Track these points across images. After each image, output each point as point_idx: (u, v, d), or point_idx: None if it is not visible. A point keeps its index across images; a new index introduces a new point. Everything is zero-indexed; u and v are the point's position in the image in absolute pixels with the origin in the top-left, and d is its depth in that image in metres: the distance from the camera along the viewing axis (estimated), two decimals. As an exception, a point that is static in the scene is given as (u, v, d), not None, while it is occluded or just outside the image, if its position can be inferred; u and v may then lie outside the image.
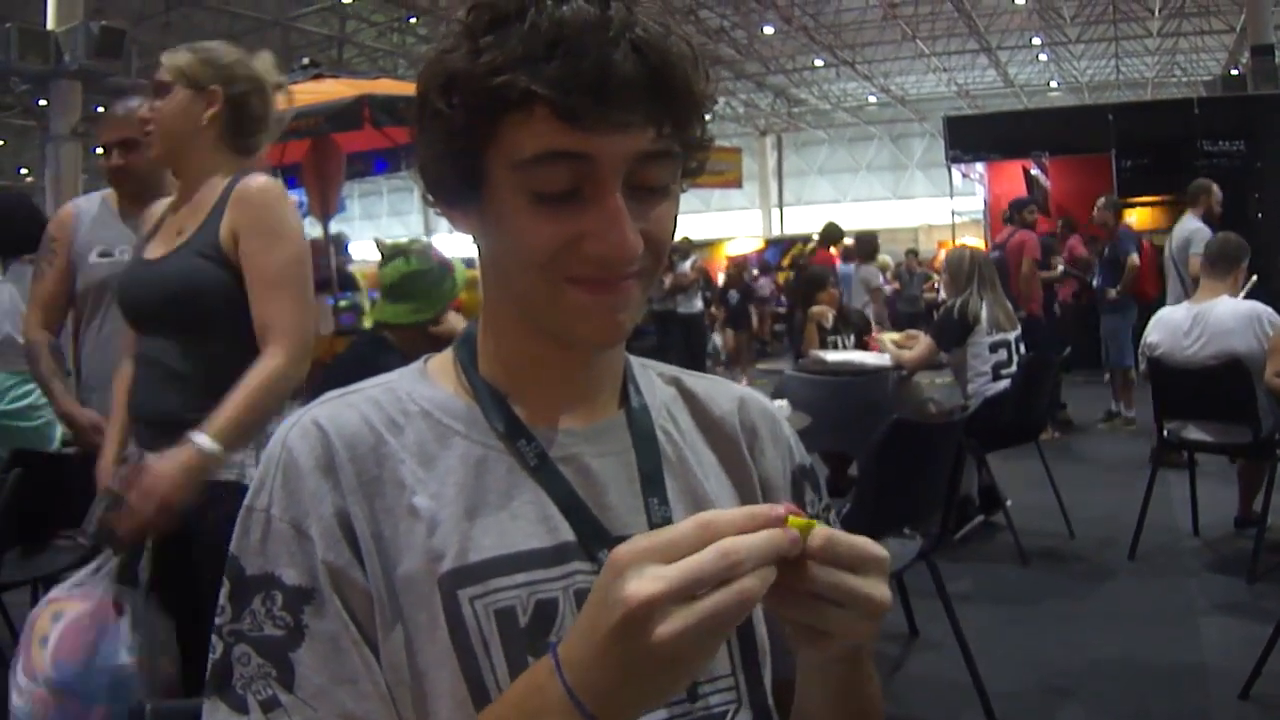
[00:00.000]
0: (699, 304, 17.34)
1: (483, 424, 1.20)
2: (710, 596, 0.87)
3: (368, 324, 4.61)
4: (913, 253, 24.63)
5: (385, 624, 1.10)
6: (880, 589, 0.96)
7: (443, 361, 1.29)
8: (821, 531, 0.93)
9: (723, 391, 1.39)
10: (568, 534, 1.15)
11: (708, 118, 1.16)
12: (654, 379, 1.35)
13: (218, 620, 1.11)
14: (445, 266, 4.40)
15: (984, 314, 7.11)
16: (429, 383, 1.25)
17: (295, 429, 1.17)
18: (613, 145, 1.05)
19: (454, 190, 1.15)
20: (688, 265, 17.25)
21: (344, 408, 1.19)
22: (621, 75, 1.02)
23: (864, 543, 0.97)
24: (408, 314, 4.38)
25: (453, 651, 1.09)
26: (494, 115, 1.06)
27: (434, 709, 1.08)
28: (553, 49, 1.02)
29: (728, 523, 0.91)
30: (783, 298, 23.64)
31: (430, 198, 1.19)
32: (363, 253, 21.04)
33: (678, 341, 16.18)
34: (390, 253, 4.59)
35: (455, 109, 1.07)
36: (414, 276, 4.43)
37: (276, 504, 1.12)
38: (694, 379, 1.39)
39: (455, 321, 4.27)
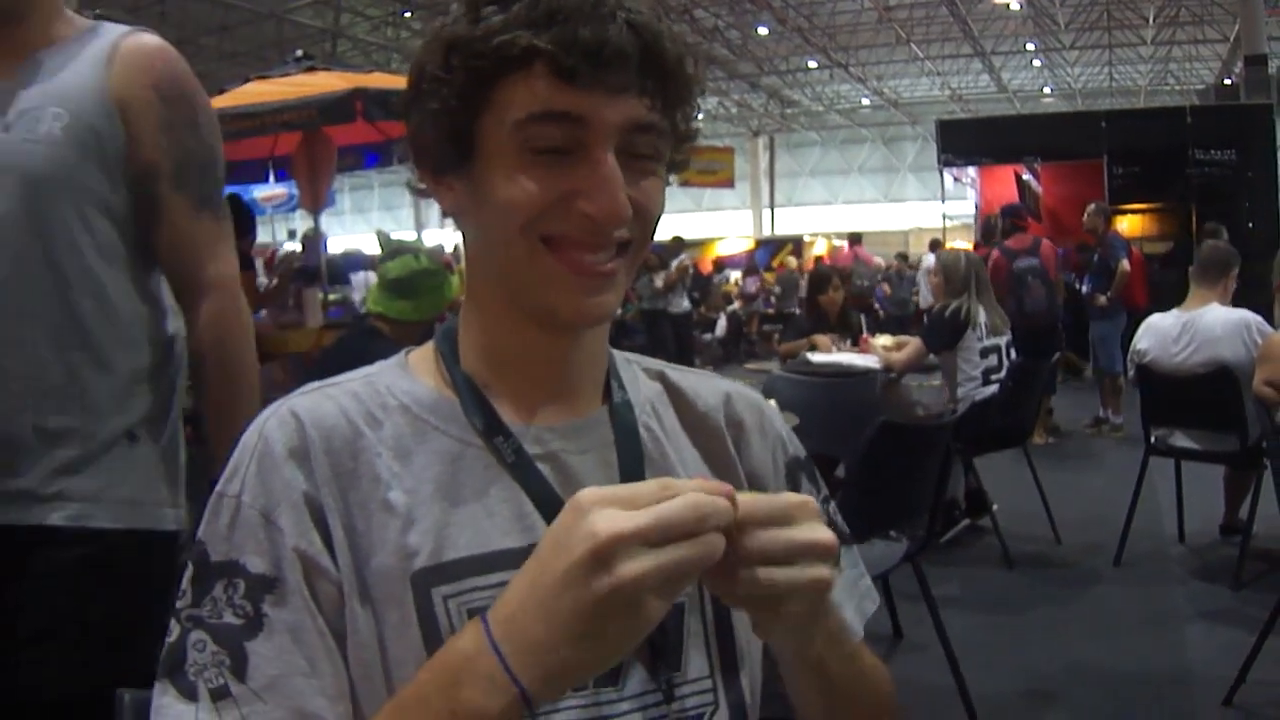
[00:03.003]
0: (686, 303, 17.45)
1: (461, 419, 1.20)
2: (679, 545, 0.87)
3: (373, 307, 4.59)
4: (902, 256, 24.70)
5: (355, 617, 1.10)
6: (819, 530, 0.97)
7: (424, 354, 1.28)
8: (742, 500, 0.93)
9: (709, 387, 1.38)
10: (543, 533, 1.14)
11: (696, 111, 1.18)
12: (639, 374, 1.35)
13: (177, 604, 1.10)
14: (450, 268, 4.41)
15: (982, 318, 7.12)
16: (409, 376, 1.24)
17: (273, 418, 1.17)
18: (607, 108, 1.07)
19: (444, 158, 1.15)
20: (674, 265, 17.35)
21: (323, 399, 1.19)
22: (617, 45, 1.06)
23: (783, 497, 0.98)
24: (410, 311, 4.38)
25: (424, 649, 1.08)
26: (492, 75, 1.08)
27: None
28: (552, 16, 1.05)
29: (688, 486, 0.91)
30: (771, 299, 23.72)
31: (417, 171, 1.20)
32: (347, 246, 21.05)
33: (667, 340, 16.26)
34: (396, 247, 4.60)
35: (454, 71, 1.09)
36: (423, 275, 4.43)
37: (248, 491, 1.12)
38: (679, 374, 1.38)
39: None
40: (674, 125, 1.15)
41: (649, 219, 1.15)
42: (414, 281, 4.44)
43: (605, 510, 0.89)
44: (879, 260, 23.51)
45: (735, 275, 25.62)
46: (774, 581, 0.94)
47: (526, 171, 1.09)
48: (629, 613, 0.88)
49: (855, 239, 23.96)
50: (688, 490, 0.90)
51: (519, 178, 1.09)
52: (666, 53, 1.10)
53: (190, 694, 1.05)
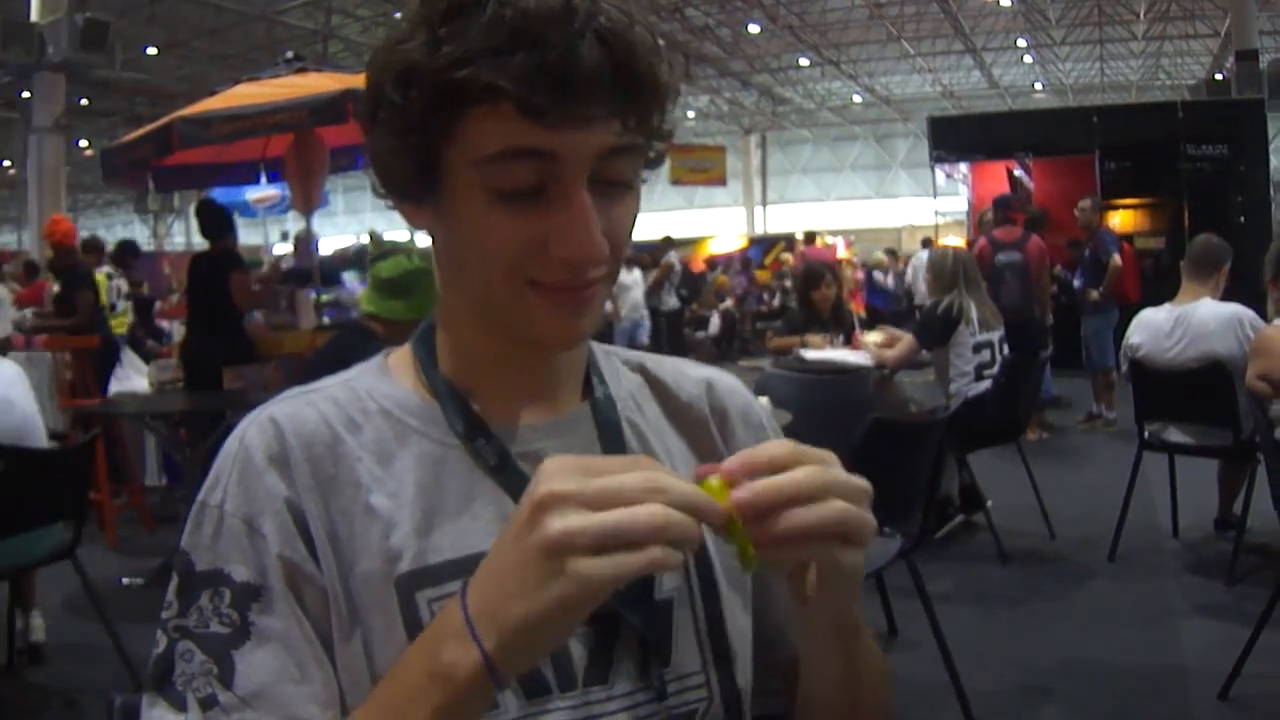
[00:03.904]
0: (675, 301, 17.60)
1: (442, 422, 1.19)
2: (616, 510, 0.85)
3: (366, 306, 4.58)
4: (891, 251, 24.79)
5: (341, 624, 1.09)
6: (821, 472, 0.92)
7: (403, 356, 1.27)
8: (735, 458, 0.92)
9: (690, 375, 1.37)
10: None
11: (673, 108, 1.13)
12: (619, 367, 1.34)
13: (163, 614, 1.09)
14: None
15: (974, 313, 7.12)
16: (389, 380, 1.23)
17: (253, 425, 1.15)
18: (578, 142, 1.02)
19: (409, 185, 1.13)
20: (660, 264, 17.56)
21: (302, 405, 1.18)
22: (587, 68, 0.99)
23: (774, 449, 0.94)
24: (403, 310, 4.38)
25: None
26: (454, 110, 1.03)
27: None
28: (516, 41, 0.98)
29: (658, 464, 0.90)
30: (763, 295, 23.78)
31: (381, 191, 1.16)
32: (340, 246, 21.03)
33: (660, 338, 16.39)
34: (389, 248, 4.59)
35: (412, 102, 1.04)
36: (416, 275, 4.43)
37: (230, 499, 1.11)
38: (659, 365, 1.37)
39: None
40: (650, 133, 1.10)
41: (620, 247, 1.11)
42: (406, 281, 4.44)
43: (557, 473, 0.87)
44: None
45: (719, 270, 25.60)
46: (798, 524, 0.90)
47: (498, 211, 1.05)
48: (561, 570, 0.85)
49: (809, 238, 24.24)
50: (659, 467, 0.89)
51: (491, 218, 1.06)
52: (641, 65, 1.03)
53: (180, 704, 1.04)
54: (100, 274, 10.31)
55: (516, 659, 0.91)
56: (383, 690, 1.00)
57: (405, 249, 4.60)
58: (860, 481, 0.94)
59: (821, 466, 0.93)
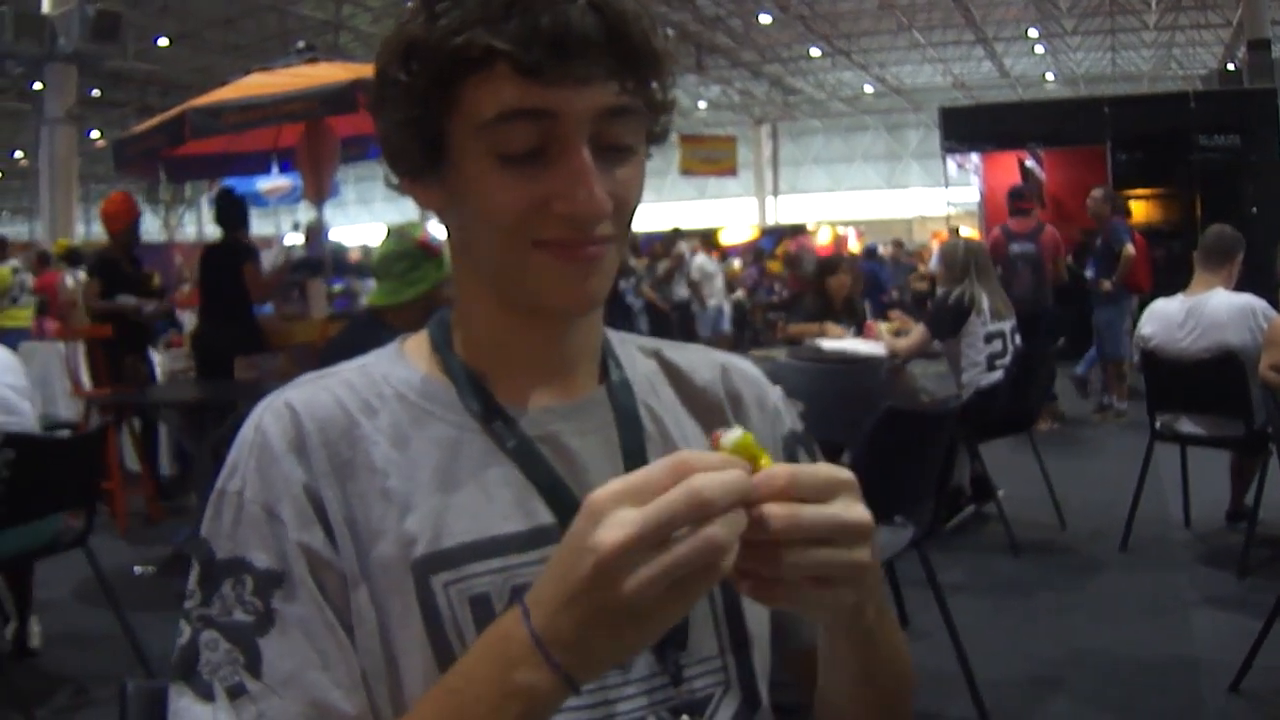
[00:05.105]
0: (685, 291, 17.68)
1: (458, 405, 1.19)
2: (676, 547, 0.85)
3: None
4: (898, 243, 24.89)
5: (359, 608, 1.09)
6: (856, 509, 0.93)
7: (419, 341, 1.27)
8: (783, 471, 0.91)
9: (705, 361, 1.37)
10: (545, 516, 1.13)
11: (672, 81, 1.15)
12: (634, 353, 1.34)
13: (186, 604, 1.09)
14: (428, 248, 4.38)
15: (985, 303, 7.11)
16: (405, 364, 1.23)
17: (268, 411, 1.15)
18: (576, 100, 1.05)
19: (417, 161, 1.14)
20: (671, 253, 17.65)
21: (318, 390, 1.18)
22: (581, 30, 1.02)
23: (827, 470, 0.94)
24: (382, 295, 4.39)
25: (426, 638, 1.08)
26: (454, 77, 1.05)
27: (409, 695, 1.07)
28: (510, 8, 1.01)
29: (701, 462, 0.88)
30: (774, 286, 23.77)
31: (392, 176, 1.18)
32: (358, 238, 21.09)
33: (671, 328, 16.43)
34: (388, 234, 4.61)
35: (415, 75, 1.07)
36: (390, 258, 4.43)
37: (249, 486, 1.11)
38: (675, 350, 1.37)
39: None
40: (649, 101, 1.12)
41: (626, 210, 1.13)
42: (386, 265, 4.43)
43: (612, 517, 0.86)
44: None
45: (736, 263, 25.69)
46: (818, 561, 0.91)
47: (502, 174, 1.07)
48: (641, 619, 0.87)
49: (799, 229, 24.58)
50: (699, 464, 0.88)
51: (495, 183, 1.07)
52: (633, 31, 1.06)
53: (207, 694, 1.05)
54: (5, 268, 10.19)
55: (598, 673, 0.94)
56: (445, 705, 0.99)
57: (396, 232, 4.59)
58: (865, 519, 0.95)
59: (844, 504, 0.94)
